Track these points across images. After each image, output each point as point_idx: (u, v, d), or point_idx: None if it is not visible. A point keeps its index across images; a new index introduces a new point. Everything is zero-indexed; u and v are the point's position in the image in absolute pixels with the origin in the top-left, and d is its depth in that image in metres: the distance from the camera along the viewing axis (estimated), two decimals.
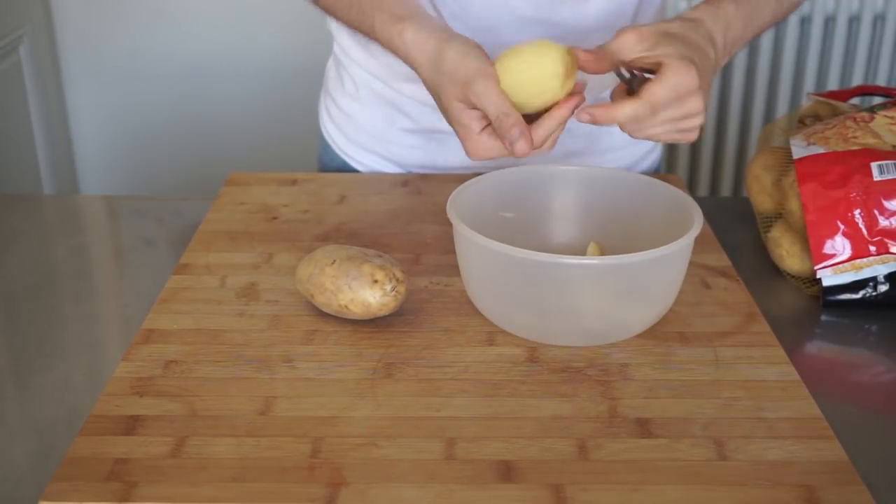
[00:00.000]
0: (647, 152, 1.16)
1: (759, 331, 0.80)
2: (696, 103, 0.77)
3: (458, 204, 0.80)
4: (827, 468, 0.63)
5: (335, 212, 1.02)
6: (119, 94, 2.32)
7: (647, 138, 0.80)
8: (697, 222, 0.77)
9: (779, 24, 2.25)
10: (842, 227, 0.86)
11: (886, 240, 0.86)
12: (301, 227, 0.98)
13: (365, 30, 0.88)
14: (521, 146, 0.76)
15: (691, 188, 2.40)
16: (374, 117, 1.12)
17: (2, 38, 2.01)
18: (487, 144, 0.79)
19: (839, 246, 0.86)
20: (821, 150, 0.91)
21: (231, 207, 1.03)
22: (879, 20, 2.25)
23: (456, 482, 0.62)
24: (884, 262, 0.86)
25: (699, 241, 0.87)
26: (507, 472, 0.63)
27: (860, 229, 0.86)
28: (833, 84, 2.29)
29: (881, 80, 2.29)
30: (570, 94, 0.79)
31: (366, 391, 0.72)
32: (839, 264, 0.86)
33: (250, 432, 0.67)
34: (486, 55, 0.80)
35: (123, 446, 0.65)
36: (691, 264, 0.84)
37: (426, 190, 1.08)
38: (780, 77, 2.29)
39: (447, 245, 0.85)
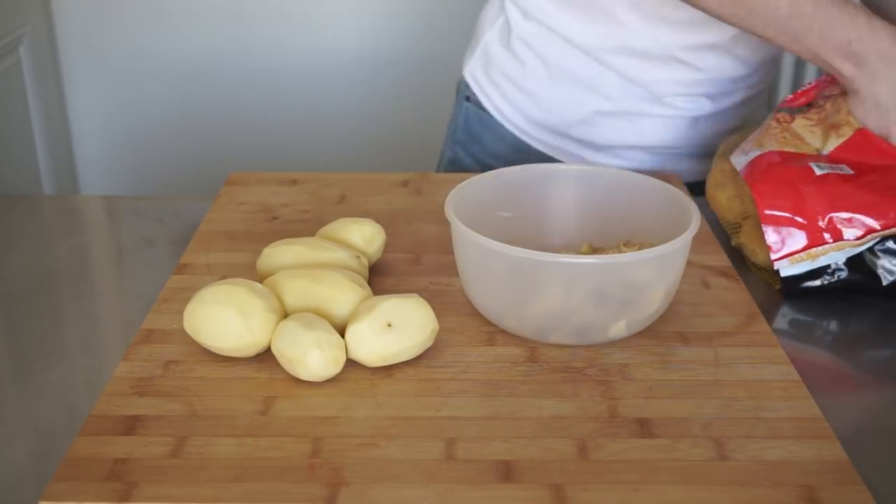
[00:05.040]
0: None
1: (759, 331, 0.80)
2: None
3: (455, 203, 0.80)
4: (827, 468, 0.63)
5: (335, 212, 1.02)
6: (119, 94, 2.32)
7: None
8: (695, 222, 0.77)
9: None
10: (795, 218, 0.88)
11: (840, 227, 0.87)
12: (301, 227, 0.98)
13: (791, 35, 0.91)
14: None
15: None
16: (567, 98, 1.12)
17: (2, 38, 2.01)
18: None
19: (794, 236, 0.88)
20: (759, 152, 0.93)
21: (231, 207, 1.03)
22: None
23: (456, 482, 0.62)
24: (839, 250, 0.87)
25: (699, 241, 0.87)
26: (507, 472, 0.63)
27: (813, 219, 0.87)
28: None
29: None
30: None
31: (366, 391, 0.72)
32: (795, 254, 0.88)
33: (250, 432, 0.67)
34: None
35: (123, 446, 0.65)
36: (691, 264, 0.84)
37: (426, 190, 1.08)
38: (779, 77, 2.29)
39: (447, 245, 0.85)
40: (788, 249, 0.88)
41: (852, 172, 0.89)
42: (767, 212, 0.88)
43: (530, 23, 1.12)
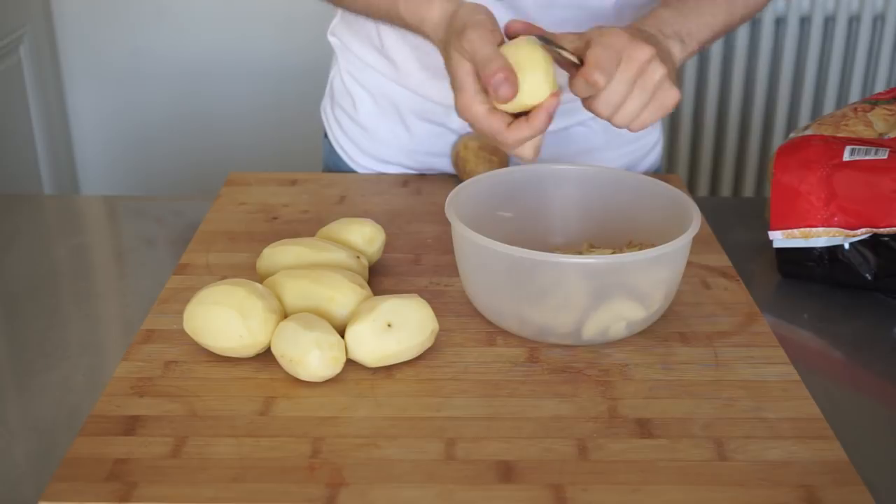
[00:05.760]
0: (650, 149, 1.17)
1: (759, 331, 0.80)
2: (641, 51, 0.75)
3: (456, 203, 0.80)
4: (827, 468, 0.63)
5: (335, 212, 1.02)
6: (119, 94, 2.32)
7: (636, 121, 0.77)
8: (696, 222, 0.77)
9: (778, 23, 2.26)
10: (801, 194, 0.90)
11: (839, 216, 0.89)
12: (301, 227, 0.98)
13: (384, 10, 0.88)
14: (504, 91, 0.73)
15: (691, 188, 2.40)
16: (395, 129, 1.12)
17: (2, 38, 2.01)
18: (476, 107, 0.76)
19: (795, 212, 0.90)
20: (809, 133, 0.96)
21: (231, 207, 1.03)
22: (879, 20, 2.25)
23: (456, 482, 0.62)
24: (833, 236, 0.89)
25: (699, 241, 0.88)
26: (507, 472, 0.63)
27: (817, 200, 0.89)
28: (833, 84, 2.29)
29: (881, 81, 2.29)
30: (549, 98, 0.76)
31: (366, 391, 0.72)
32: (790, 228, 0.91)
33: (250, 432, 0.67)
34: (495, 19, 0.79)
35: (123, 446, 0.65)
36: (691, 264, 0.84)
37: (426, 190, 1.08)
38: (779, 77, 2.29)
39: (447, 245, 0.85)
40: (786, 223, 0.90)
41: (886, 157, 0.89)
42: (779, 182, 0.91)
43: (352, 59, 1.12)
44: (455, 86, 0.78)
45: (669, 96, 0.78)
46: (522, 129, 0.76)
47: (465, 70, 0.77)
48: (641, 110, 0.77)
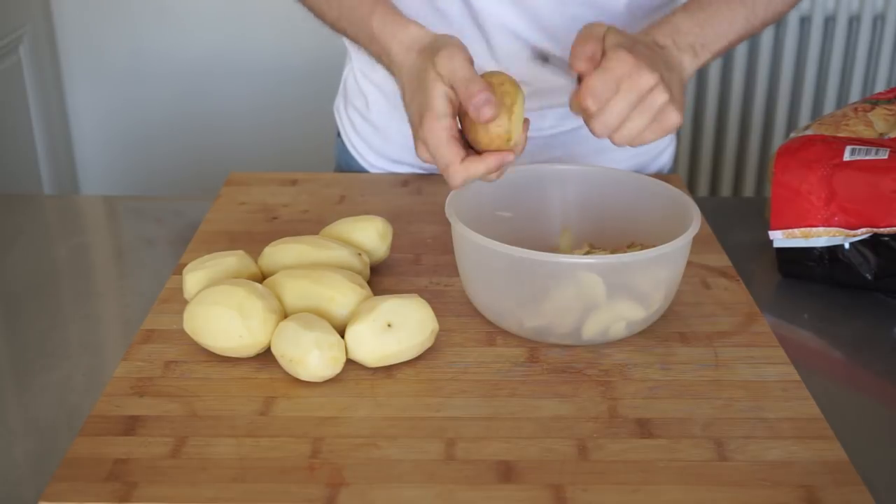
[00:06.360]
0: (661, 152, 1.17)
1: (759, 331, 0.80)
2: (644, 78, 0.75)
3: (456, 203, 0.80)
4: (827, 468, 0.63)
5: (335, 212, 1.02)
6: (119, 94, 2.32)
7: (636, 139, 0.78)
8: (696, 222, 0.77)
9: (778, 23, 2.26)
10: (801, 194, 0.90)
11: (839, 216, 0.89)
12: (301, 227, 0.98)
13: (355, 27, 0.88)
14: (486, 111, 0.74)
15: (691, 188, 2.40)
16: (407, 128, 1.12)
17: (2, 38, 2.01)
18: (440, 131, 0.76)
19: (795, 212, 0.91)
20: (809, 133, 0.96)
21: (231, 207, 1.03)
22: (879, 20, 2.25)
23: (456, 482, 0.62)
24: (833, 235, 0.89)
25: (699, 241, 0.88)
26: (507, 472, 0.63)
27: (818, 200, 0.90)
28: (833, 84, 2.29)
29: (881, 81, 2.29)
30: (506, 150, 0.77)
31: (366, 391, 0.72)
32: (790, 228, 0.91)
33: (250, 432, 0.67)
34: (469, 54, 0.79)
35: (123, 446, 0.65)
36: (691, 264, 0.84)
37: (426, 190, 1.08)
38: (779, 77, 2.29)
39: (447, 245, 0.85)
40: (787, 223, 0.90)
41: (886, 157, 0.89)
42: (779, 182, 0.91)
43: (364, 57, 1.12)
44: (424, 106, 0.77)
45: (671, 119, 0.78)
46: (477, 165, 0.76)
47: (439, 91, 0.76)
48: (642, 131, 0.78)
